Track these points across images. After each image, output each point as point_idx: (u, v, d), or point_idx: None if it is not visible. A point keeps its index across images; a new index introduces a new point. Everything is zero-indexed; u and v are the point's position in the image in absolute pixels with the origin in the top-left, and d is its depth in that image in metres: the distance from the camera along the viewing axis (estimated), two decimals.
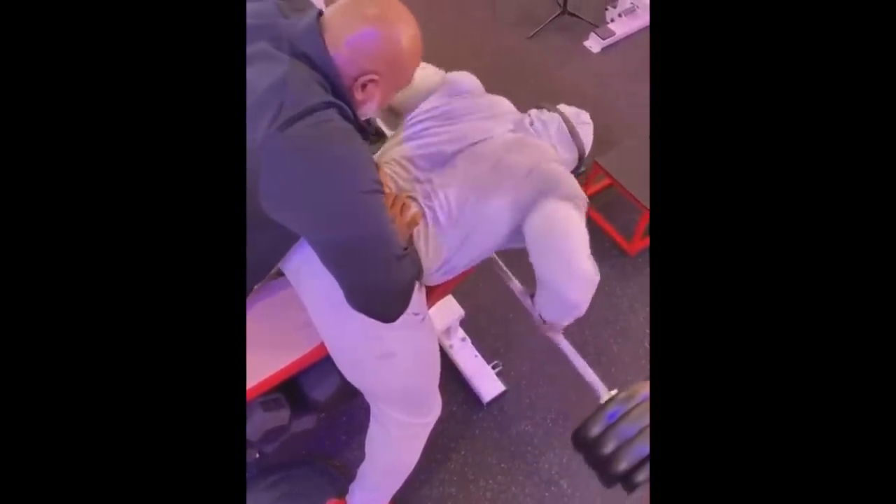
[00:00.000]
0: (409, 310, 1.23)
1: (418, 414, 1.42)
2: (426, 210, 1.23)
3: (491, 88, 1.40)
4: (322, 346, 1.33)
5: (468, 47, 3.07)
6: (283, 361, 1.34)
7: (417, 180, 1.26)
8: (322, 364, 1.40)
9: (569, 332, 1.47)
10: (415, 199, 1.24)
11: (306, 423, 1.48)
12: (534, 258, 1.22)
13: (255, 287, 1.38)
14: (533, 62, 3.02)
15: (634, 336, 2.14)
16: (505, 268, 1.55)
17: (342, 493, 1.64)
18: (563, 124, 1.37)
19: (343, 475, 1.76)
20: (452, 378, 1.98)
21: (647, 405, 1.18)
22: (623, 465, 1.15)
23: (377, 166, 1.29)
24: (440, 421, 1.49)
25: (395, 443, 1.44)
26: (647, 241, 2.34)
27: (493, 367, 2.00)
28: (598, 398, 1.31)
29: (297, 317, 1.33)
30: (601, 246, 2.36)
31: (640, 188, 2.17)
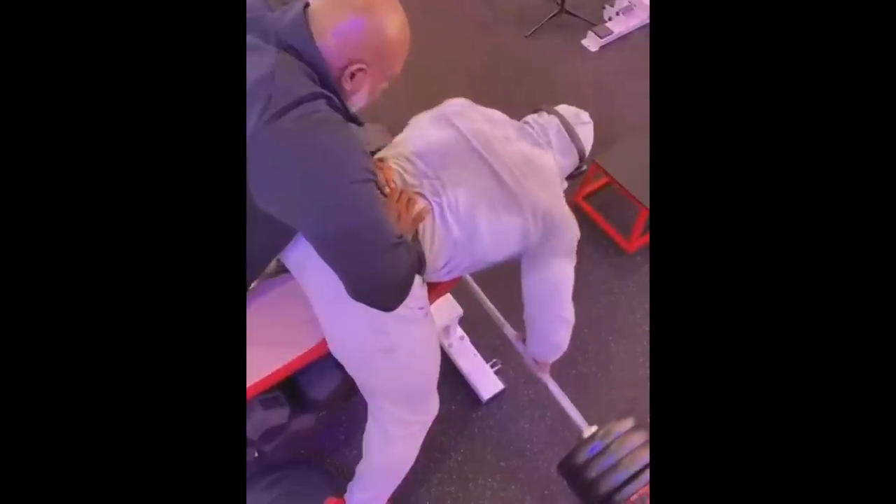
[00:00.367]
0: (414, 304, 1.23)
1: (417, 411, 1.42)
2: (434, 206, 1.23)
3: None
4: (321, 344, 1.33)
5: (466, 46, 3.07)
6: (282, 360, 1.33)
7: (425, 176, 1.27)
8: (321, 363, 1.40)
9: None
10: (422, 195, 1.24)
11: (305, 421, 1.48)
12: (532, 311, 1.44)
13: (253, 283, 1.38)
14: (531, 60, 3.02)
15: (632, 334, 2.14)
16: (498, 314, 1.78)
17: (341, 492, 1.64)
18: (562, 127, 1.38)
19: (341, 474, 1.76)
20: (451, 376, 1.98)
21: (620, 441, 1.46)
22: (603, 490, 1.43)
23: (381, 159, 1.30)
24: (439, 419, 1.49)
25: (393, 441, 1.44)
26: (644, 240, 2.34)
27: (492, 366, 2.00)
28: (580, 432, 1.57)
29: (295, 315, 1.33)
30: (599, 244, 2.36)
31: (638, 186, 2.17)
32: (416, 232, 1.21)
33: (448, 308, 1.89)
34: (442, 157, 1.29)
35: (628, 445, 1.45)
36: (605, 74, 2.98)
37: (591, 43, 3.10)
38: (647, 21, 3.17)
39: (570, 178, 1.47)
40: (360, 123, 1.09)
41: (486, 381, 1.98)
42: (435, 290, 1.46)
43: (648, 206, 2.13)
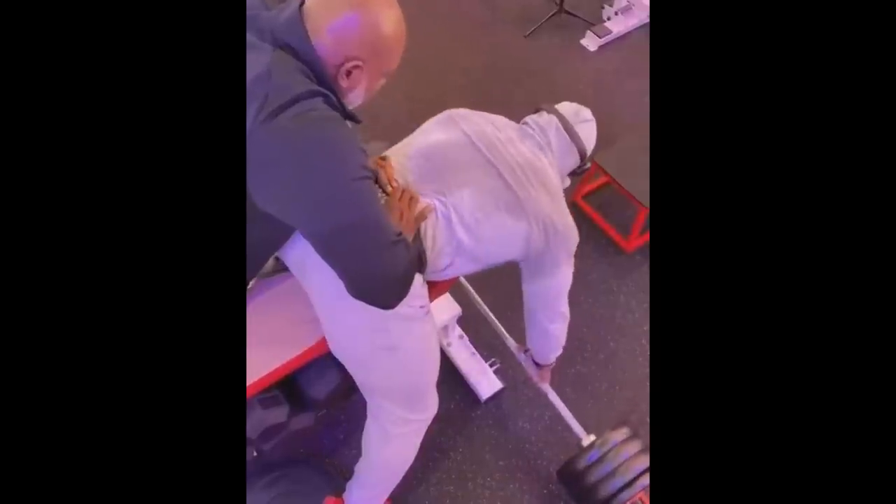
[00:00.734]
0: (415, 302, 1.23)
1: (416, 410, 1.42)
2: (437, 206, 1.24)
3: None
4: (320, 343, 1.33)
5: (465, 45, 3.07)
6: (281, 358, 1.33)
7: (429, 175, 1.27)
8: (320, 362, 1.40)
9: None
10: (425, 194, 1.24)
11: (304, 420, 1.48)
12: (531, 310, 1.49)
13: (252, 282, 1.38)
14: (530, 60, 3.02)
15: (631, 332, 2.14)
16: (500, 325, 1.85)
17: (340, 491, 1.64)
18: (561, 127, 1.38)
19: (341, 473, 1.76)
20: (450, 376, 1.98)
21: (616, 450, 1.57)
22: (601, 495, 1.52)
23: (383, 158, 1.30)
24: (437, 418, 1.49)
25: (392, 439, 1.44)
26: (643, 239, 2.34)
27: (491, 365, 2.00)
28: (579, 440, 1.68)
29: (294, 314, 1.33)
30: (598, 243, 2.37)
31: (637, 186, 2.17)
32: (418, 231, 1.21)
33: (447, 307, 1.89)
34: (446, 157, 1.29)
35: (624, 454, 1.58)
36: (604, 74, 2.98)
37: (590, 43, 3.10)
38: (646, 21, 3.18)
39: (572, 175, 1.47)
40: (357, 121, 1.09)
41: (485, 381, 1.98)
42: (435, 288, 1.46)
43: (647, 206, 2.14)
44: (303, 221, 1.02)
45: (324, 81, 1.01)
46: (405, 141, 1.38)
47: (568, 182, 1.46)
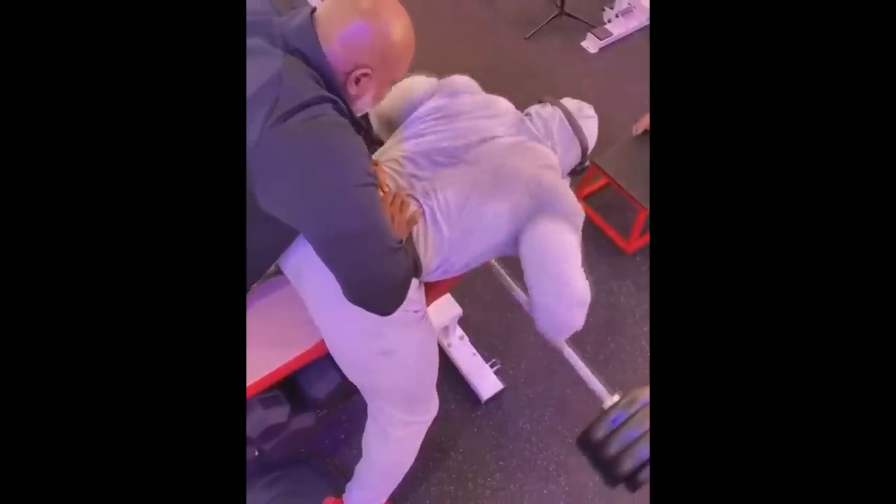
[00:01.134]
0: (410, 307, 1.23)
1: (416, 412, 1.43)
2: (425, 208, 1.23)
3: (488, 89, 1.40)
4: (321, 343, 1.34)
5: (466, 47, 3.08)
6: (282, 359, 1.34)
7: (417, 178, 1.26)
8: (321, 362, 1.40)
9: None
10: (414, 198, 1.24)
11: (305, 420, 1.48)
12: (527, 278, 1.27)
13: (254, 284, 1.39)
14: (530, 62, 3.03)
15: (631, 334, 2.15)
16: (509, 278, 1.57)
17: (340, 491, 1.64)
18: (564, 119, 1.37)
19: (341, 474, 1.76)
20: (451, 376, 1.99)
21: (647, 410, 1.23)
22: (626, 467, 1.22)
23: (375, 163, 1.30)
24: (438, 419, 1.49)
25: (392, 440, 1.44)
26: (643, 240, 2.35)
27: (492, 366, 2.01)
28: (601, 403, 1.35)
29: (295, 314, 1.34)
30: (598, 244, 2.37)
31: (637, 187, 2.17)
32: (410, 234, 1.21)
33: (448, 308, 1.89)
34: (432, 157, 1.28)
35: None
36: (604, 76, 2.98)
37: (591, 45, 3.11)
38: (647, 23, 3.18)
39: (571, 174, 1.46)
40: (363, 128, 1.09)
41: (486, 381, 1.98)
42: (434, 289, 1.46)
43: (647, 207, 2.14)
44: (306, 225, 1.03)
45: (333, 88, 1.02)
46: (395, 139, 1.36)
47: (567, 181, 1.46)
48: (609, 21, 3.18)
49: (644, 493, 1.08)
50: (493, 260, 1.50)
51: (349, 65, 1.02)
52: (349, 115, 1.04)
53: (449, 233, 1.24)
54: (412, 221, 1.19)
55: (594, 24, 3.15)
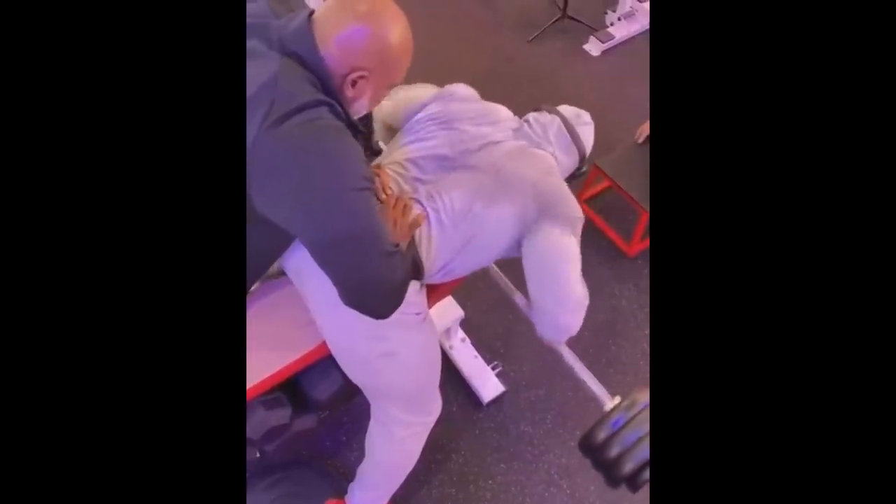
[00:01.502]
0: (411, 310, 1.24)
1: (419, 413, 1.43)
2: (429, 211, 1.24)
3: (490, 91, 1.41)
4: (323, 345, 1.34)
5: (468, 50, 3.08)
6: (283, 360, 1.34)
7: (420, 181, 1.27)
8: (323, 363, 1.40)
9: None
10: (417, 201, 1.25)
11: (307, 422, 1.49)
12: (529, 282, 1.30)
13: (254, 286, 1.39)
14: (532, 65, 3.04)
15: (632, 337, 2.15)
16: (508, 282, 1.58)
17: (341, 493, 1.65)
18: (563, 126, 1.38)
19: (343, 475, 1.76)
20: (452, 379, 1.99)
21: (647, 412, 1.25)
22: (627, 468, 1.23)
23: (378, 166, 1.30)
24: (440, 421, 1.50)
25: (395, 442, 1.44)
26: (645, 243, 2.35)
27: (493, 368, 2.01)
28: (602, 405, 1.35)
29: (297, 316, 1.34)
30: (600, 247, 2.37)
31: (638, 190, 2.18)
32: (413, 238, 1.21)
33: (449, 310, 1.90)
34: (435, 161, 1.28)
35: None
36: (606, 79, 2.99)
37: (593, 48, 3.11)
38: (649, 26, 3.19)
39: (570, 179, 1.47)
40: (360, 131, 1.10)
41: (487, 384, 1.98)
42: (436, 291, 1.47)
43: (649, 210, 2.14)
44: (301, 228, 1.03)
45: (330, 91, 1.02)
46: (397, 143, 1.37)
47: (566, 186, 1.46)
48: (611, 24, 3.18)
49: (646, 494, 1.09)
50: (493, 263, 1.51)
51: (346, 67, 1.02)
52: (346, 118, 1.04)
53: (453, 236, 1.24)
54: (415, 225, 1.19)
55: (596, 27, 3.16)
